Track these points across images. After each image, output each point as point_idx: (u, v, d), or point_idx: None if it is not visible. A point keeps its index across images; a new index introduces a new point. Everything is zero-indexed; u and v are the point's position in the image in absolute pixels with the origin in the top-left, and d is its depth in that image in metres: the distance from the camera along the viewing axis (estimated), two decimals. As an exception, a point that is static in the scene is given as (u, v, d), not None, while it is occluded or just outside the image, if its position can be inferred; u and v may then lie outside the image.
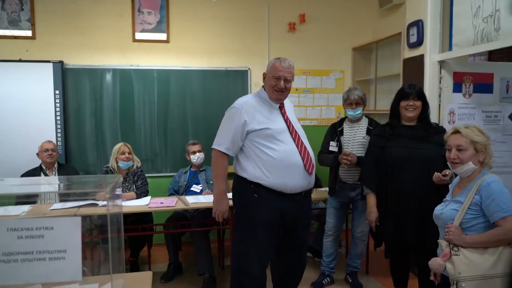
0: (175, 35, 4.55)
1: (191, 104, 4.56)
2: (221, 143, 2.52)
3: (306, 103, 4.93)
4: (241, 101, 2.56)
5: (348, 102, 3.30)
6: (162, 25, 4.51)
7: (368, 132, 3.25)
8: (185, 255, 4.10)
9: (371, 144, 2.90)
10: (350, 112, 3.29)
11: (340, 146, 3.31)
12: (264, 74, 2.62)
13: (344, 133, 3.34)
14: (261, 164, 2.44)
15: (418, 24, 3.64)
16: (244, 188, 2.49)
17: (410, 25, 3.76)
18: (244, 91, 4.60)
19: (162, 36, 4.53)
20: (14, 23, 4.27)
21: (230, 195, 2.67)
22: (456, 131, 2.12)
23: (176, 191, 4.03)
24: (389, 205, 2.72)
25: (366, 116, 3.40)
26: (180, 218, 3.82)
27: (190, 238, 3.74)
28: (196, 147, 4.06)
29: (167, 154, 4.56)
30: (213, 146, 2.56)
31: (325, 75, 4.97)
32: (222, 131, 2.55)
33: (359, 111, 3.27)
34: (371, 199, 2.82)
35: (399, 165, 2.64)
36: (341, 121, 3.44)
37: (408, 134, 2.71)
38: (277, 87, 2.52)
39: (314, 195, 3.66)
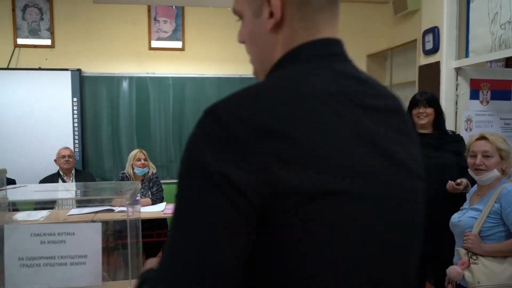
0: (190, 43, 4.60)
1: (206, 111, 4.60)
2: None
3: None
4: None
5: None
6: (178, 33, 4.57)
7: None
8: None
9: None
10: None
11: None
12: None
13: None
14: None
15: (434, 31, 3.62)
16: None
17: (426, 32, 3.74)
18: (259, 98, 4.61)
19: (178, 44, 4.58)
20: (34, 33, 4.37)
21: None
22: (482, 137, 2.10)
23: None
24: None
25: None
26: (195, 224, 3.84)
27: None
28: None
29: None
30: None
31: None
32: None
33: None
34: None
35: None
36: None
37: (423, 142, 2.68)
38: None
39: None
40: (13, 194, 1.40)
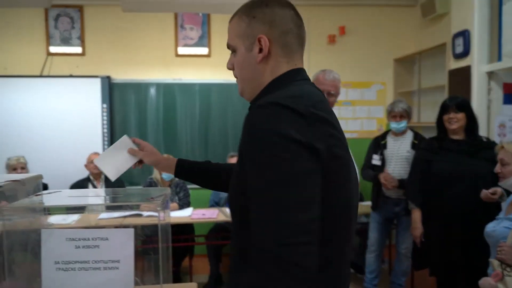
0: (216, 49, 4.64)
1: (231, 116, 4.63)
2: None
3: (346, 115, 4.88)
4: None
5: (392, 114, 3.24)
6: (204, 40, 4.63)
7: (413, 146, 3.17)
8: (226, 267, 4.13)
9: (417, 158, 2.83)
10: (394, 125, 3.23)
11: (383, 160, 3.25)
12: None
13: (387, 147, 3.27)
14: None
15: (465, 34, 3.54)
16: None
17: (456, 35, 3.66)
18: (284, 104, 4.60)
19: (204, 51, 4.64)
20: (66, 41, 4.51)
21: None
22: (501, 146, 2.09)
23: (217, 203, 4.08)
24: (435, 222, 2.64)
25: (411, 130, 3.32)
26: (221, 230, 3.86)
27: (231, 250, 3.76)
28: (235, 159, 4.10)
29: (207, 166, 4.63)
30: None
31: (366, 87, 4.91)
32: None
33: (403, 124, 3.20)
34: (417, 215, 2.75)
35: (446, 180, 2.56)
36: (384, 134, 3.38)
37: (456, 149, 2.62)
38: None
39: (359, 210, 3.60)
40: (49, 199, 1.44)
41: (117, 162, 1.38)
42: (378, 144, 3.33)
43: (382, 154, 3.27)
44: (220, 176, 1.38)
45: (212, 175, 1.40)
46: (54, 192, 1.50)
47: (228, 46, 1.08)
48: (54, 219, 3.23)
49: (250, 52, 1.01)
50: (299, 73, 1.02)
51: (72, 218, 3.32)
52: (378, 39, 4.88)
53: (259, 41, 0.99)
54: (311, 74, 2.79)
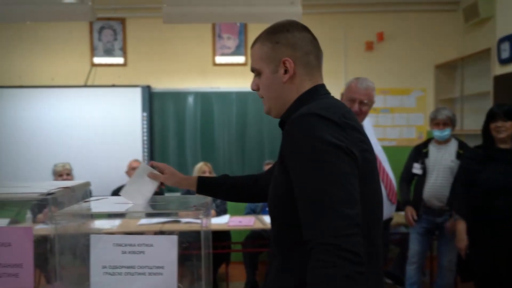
0: (253, 58, 4.68)
1: (267, 124, 4.65)
2: None
3: (385, 123, 4.79)
4: None
5: (435, 122, 3.14)
6: (241, 48, 4.68)
7: (458, 156, 3.06)
8: (262, 274, 4.12)
9: (462, 168, 2.73)
10: (437, 133, 3.13)
11: (425, 169, 3.16)
12: (341, 94, 2.56)
13: (429, 156, 3.18)
14: None
15: (511, 39, 3.41)
16: None
17: (501, 40, 3.53)
18: (321, 111, 4.57)
19: (241, 59, 4.69)
20: (108, 52, 4.68)
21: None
22: None
23: (253, 210, 4.09)
24: (481, 234, 2.53)
25: (455, 138, 3.21)
26: (258, 237, 3.86)
27: (267, 258, 3.75)
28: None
29: (244, 173, 4.65)
30: None
31: (405, 94, 4.80)
32: None
33: (446, 132, 3.10)
34: (462, 226, 2.65)
35: (493, 191, 2.46)
36: (426, 142, 3.29)
37: (504, 159, 2.51)
38: (353, 109, 2.34)
39: (396, 219, 3.51)
40: (95, 205, 1.50)
41: (141, 190, 1.43)
42: (420, 152, 3.24)
43: (423, 163, 3.18)
44: (239, 187, 1.48)
45: (230, 188, 1.47)
46: (101, 198, 1.55)
47: (253, 70, 1.19)
48: (97, 223, 3.34)
49: (276, 73, 1.13)
50: (322, 88, 1.15)
51: (114, 223, 3.42)
52: (418, 45, 4.77)
53: (284, 63, 1.11)
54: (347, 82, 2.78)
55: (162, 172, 1.46)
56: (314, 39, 1.16)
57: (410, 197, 3.27)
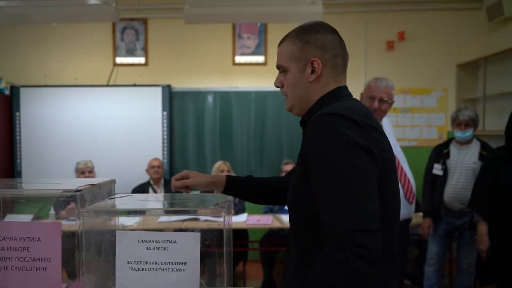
0: (273, 57, 4.70)
1: (286, 124, 4.65)
2: None
3: (404, 123, 4.74)
4: None
5: (456, 122, 3.10)
6: (260, 48, 4.70)
7: (481, 157, 3.01)
8: (279, 273, 4.14)
9: (485, 169, 2.70)
10: (459, 134, 3.09)
11: (446, 170, 3.12)
12: (361, 94, 2.57)
13: (451, 156, 3.14)
14: None
15: (536, 38, 3.33)
16: None
17: (526, 39, 3.46)
18: (340, 111, 4.56)
19: (260, 59, 4.71)
20: (131, 52, 4.77)
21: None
22: None
23: (271, 209, 4.11)
24: (504, 236, 2.49)
25: (477, 139, 3.16)
26: (275, 236, 3.88)
27: (284, 257, 3.77)
28: (289, 166, 4.12)
29: (263, 172, 4.69)
30: None
31: (426, 93, 4.75)
32: None
33: (468, 132, 3.06)
34: (483, 228, 2.62)
35: (516, 192, 2.42)
36: (447, 143, 3.25)
37: None
38: (371, 108, 2.36)
39: (415, 220, 3.48)
40: (121, 202, 1.54)
41: None
42: (441, 152, 3.20)
43: (444, 164, 3.14)
44: (264, 189, 1.48)
45: (256, 189, 1.48)
46: (126, 195, 1.59)
47: (278, 67, 1.21)
48: (122, 220, 3.40)
49: (303, 72, 1.16)
50: (345, 90, 1.17)
51: (134, 220, 3.48)
52: (440, 44, 4.70)
53: (312, 63, 1.14)
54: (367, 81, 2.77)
55: (187, 178, 1.47)
56: (342, 41, 1.19)
57: (431, 204, 3.22)
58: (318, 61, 1.13)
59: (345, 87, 1.19)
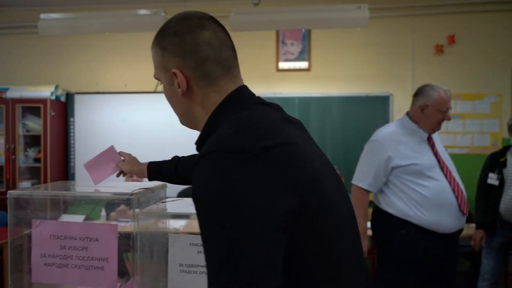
0: (316, 63, 4.68)
1: (330, 130, 4.61)
2: (362, 179, 2.37)
3: (455, 129, 4.56)
4: (383, 133, 2.41)
5: (514, 129, 2.96)
6: (304, 54, 4.69)
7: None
8: None
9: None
10: (515, 142, 2.95)
11: (502, 180, 2.97)
12: (422, 106, 2.35)
13: (508, 165, 2.99)
14: (411, 201, 2.25)
15: None
16: (389, 224, 2.34)
17: None
18: (385, 117, 4.47)
19: (304, 65, 4.70)
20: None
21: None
22: None
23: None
24: None
25: (538, 148, 3.00)
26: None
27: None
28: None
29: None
30: (353, 182, 2.42)
31: (478, 99, 4.55)
32: (363, 166, 2.41)
33: (526, 140, 2.91)
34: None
35: None
36: (503, 151, 3.09)
37: None
38: (446, 119, 2.35)
39: (467, 231, 3.34)
40: (172, 206, 1.59)
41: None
42: (496, 161, 3.05)
43: (500, 173, 2.99)
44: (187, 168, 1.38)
45: (180, 171, 1.41)
46: (176, 200, 1.64)
47: (155, 78, 0.98)
48: (170, 223, 3.50)
49: (172, 85, 0.92)
50: (236, 98, 0.90)
51: (180, 224, 3.56)
52: (493, 47, 4.50)
53: (176, 75, 0.89)
54: (415, 86, 2.69)
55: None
56: (215, 35, 0.91)
57: (485, 216, 3.08)
58: (178, 73, 0.88)
59: (236, 94, 0.91)
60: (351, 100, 4.60)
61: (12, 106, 4.64)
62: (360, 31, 4.59)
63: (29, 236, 1.37)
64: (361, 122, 4.53)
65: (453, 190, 2.26)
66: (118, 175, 1.56)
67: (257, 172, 0.73)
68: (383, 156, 2.30)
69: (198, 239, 1.33)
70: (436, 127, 2.37)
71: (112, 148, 1.54)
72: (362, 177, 2.38)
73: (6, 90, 4.73)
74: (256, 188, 0.71)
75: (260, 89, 4.74)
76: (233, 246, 0.69)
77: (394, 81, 4.55)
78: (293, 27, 4.04)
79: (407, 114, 2.45)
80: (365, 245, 2.41)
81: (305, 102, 4.66)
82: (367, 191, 2.39)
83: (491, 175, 3.04)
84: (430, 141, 2.40)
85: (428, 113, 2.34)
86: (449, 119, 2.36)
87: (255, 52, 4.76)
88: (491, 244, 3.09)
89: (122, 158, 1.53)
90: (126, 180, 1.59)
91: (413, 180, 2.26)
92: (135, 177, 1.56)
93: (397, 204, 2.29)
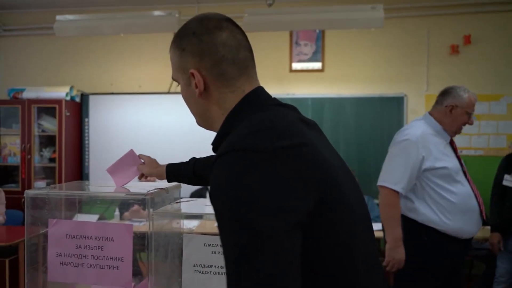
0: (330, 64, 4.65)
1: (343, 130, 4.58)
2: (395, 181, 2.18)
3: (469, 131, 4.49)
4: (415, 132, 2.25)
5: (531, 131, 2.90)
6: (318, 55, 4.67)
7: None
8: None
9: None
10: (532, 143, 2.89)
11: (519, 182, 2.93)
12: (451, 106, 2.27)
13: (524, 167, 2.94)
14: (437, 207, 2.17)
15: None
16: (411, 230, 2.25)
17: None
18: (399, 118, 4.42)
19: (317, 66, 4.68)
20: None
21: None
22: None
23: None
24: None
25: (555, 149, 2.94)
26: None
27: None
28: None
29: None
30: (383, 184, 2.22)
31: (494, 100, 4.48)
32: (396, 167, 2.21)
33: (545, 142, 2.86)
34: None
35: None
36: (520, 152, 3.05)
37: None
38: (469, 123, 2.29)
39: (482, 234, 3.29)
40: (186, 206, 1.59)
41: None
42: (512, 163, 3.01)
43: (517, 175, 2.95)
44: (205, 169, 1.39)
45: (197, 172, 1.42)
46: (190, 200, 1.64)
47: (173, 79, 1.01)
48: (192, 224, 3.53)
49: (190, 86, 0.93)
50: (252, 99, 0.91)
51: (193, 224, 3.58)
52: (510, 47, 4.43)
53: (192, 76, 0.91)
54: (430, 87, 2.65)
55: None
56: (232, 36, 0.92)
57: (500, 218, 3.03)
58: (196, 73, 0.90)
59: (252, 94, 0.92)
60: (365, 101, 4.56)
61: (28, 106, 4.72)
62: (374, 32, 4.55)
63: (45, 235, 1.38)
64: (375, 123, 4.49)
65: (476, 196, 2.22)
66: (140, 178, 1.56)
67: (274, 172, 0.72)
68: (417, 156, 2.16)
69: (213, 240, 1.34)
70: (459, 130, 2.31)
71: (132, 152, 1.55)
72: (395, 179, 2.18)
73: (22, 90, 4.81)
74: (273, 187, 0.71)
75: (273, 89, 4.73)
76: (252, 245, 0.69)
77: (408, 81, 4.50)
78: (306, 27, 4.02)
79: (430, 114, 2.36)
80: (402, 253, 2.19)
81: (318, 103, 4.64)
82: (398, 193, 2.20)
83: (507, 177, 2.99)
84: (452, 144, 2.34)
85: (456, 114, 2.26)
86: (471, 123, 2.30)
87: (269, 53, 4.76)
88: (507, 247, 3.04)
89: (142, 160, 1.53)
90: (140, 180, 1.60)
91: (441, 185, 2.17)
92: (148, 177, 1.56)
93: (422, 211, 2.19)
